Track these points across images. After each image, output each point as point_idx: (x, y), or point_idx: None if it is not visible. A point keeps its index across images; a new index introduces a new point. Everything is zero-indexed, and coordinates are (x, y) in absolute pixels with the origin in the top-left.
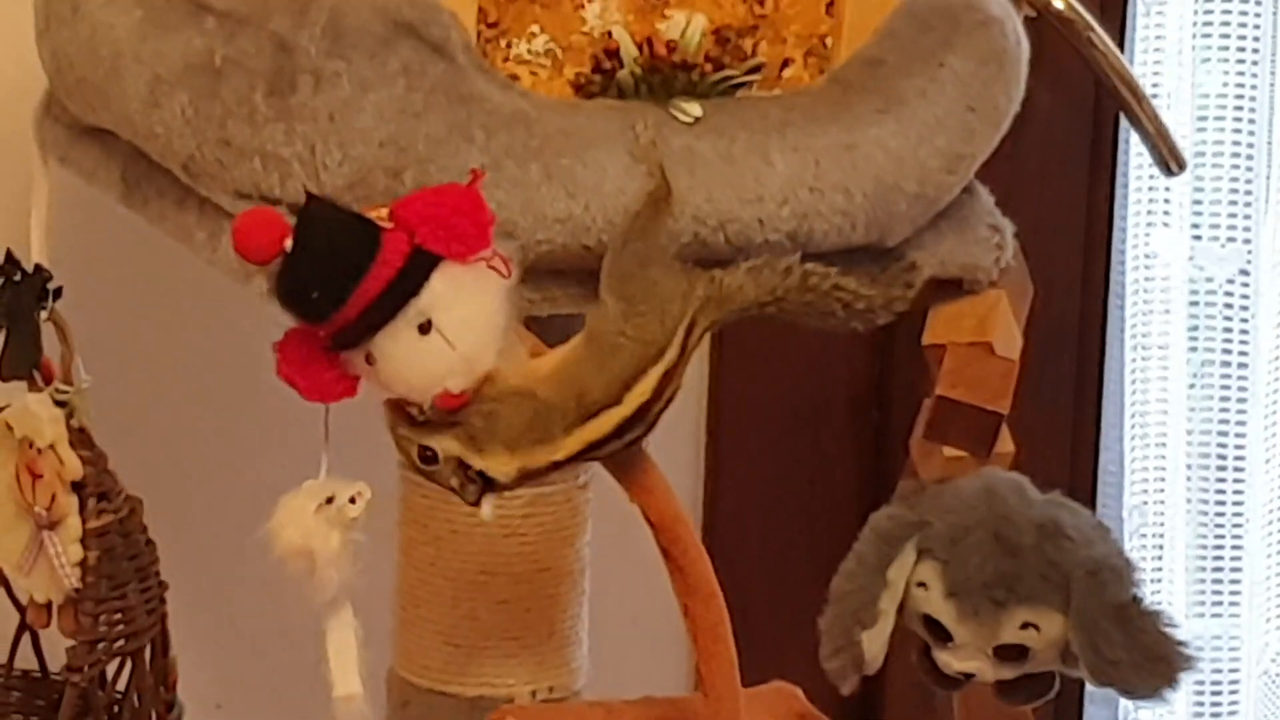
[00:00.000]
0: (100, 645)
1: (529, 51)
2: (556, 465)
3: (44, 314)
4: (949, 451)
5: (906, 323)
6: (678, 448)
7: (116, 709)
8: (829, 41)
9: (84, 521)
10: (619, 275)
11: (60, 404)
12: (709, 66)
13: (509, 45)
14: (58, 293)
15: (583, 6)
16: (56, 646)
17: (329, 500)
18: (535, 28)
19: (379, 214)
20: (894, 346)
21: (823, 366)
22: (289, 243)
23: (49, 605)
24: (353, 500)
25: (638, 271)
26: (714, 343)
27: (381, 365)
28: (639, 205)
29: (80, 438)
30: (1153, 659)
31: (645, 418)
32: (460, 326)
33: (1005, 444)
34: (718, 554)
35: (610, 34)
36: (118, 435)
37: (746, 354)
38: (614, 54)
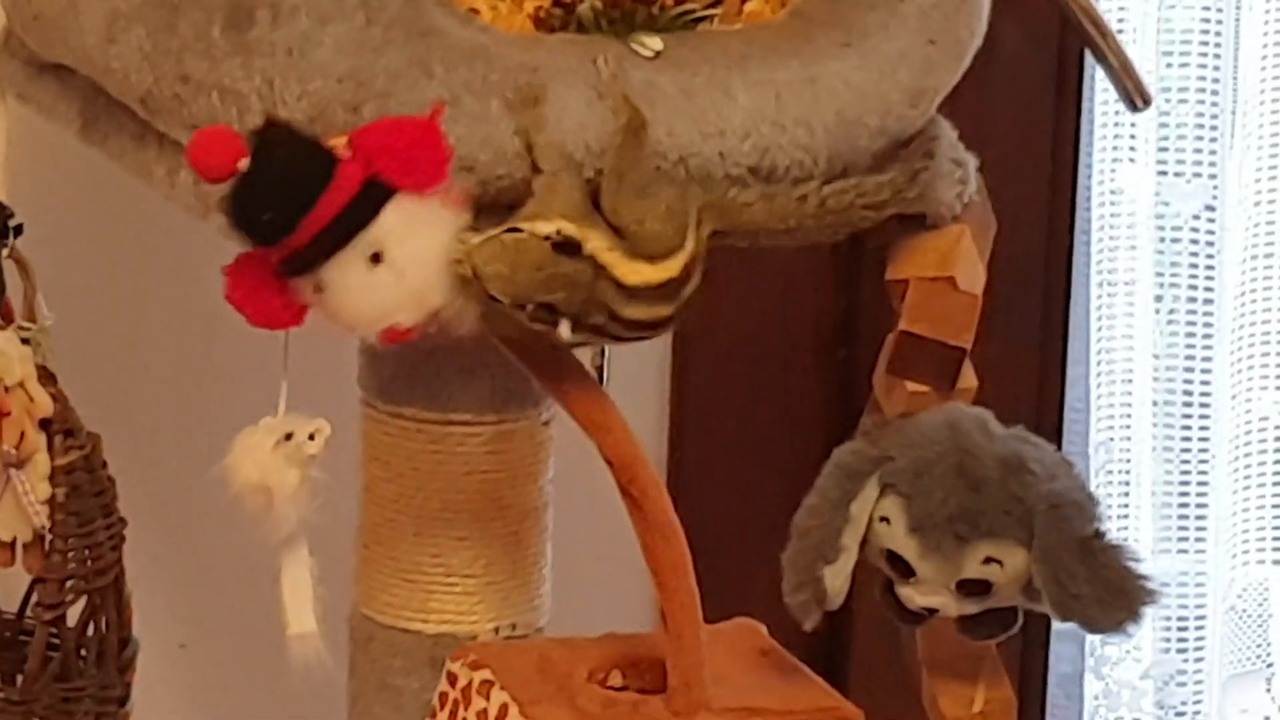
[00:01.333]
0: (69, 583)
1: None
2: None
3: (4, 251)
4: (912, 387)
5: (872, 258)
6: (642, 384)
7: (82, 649)
8: None
9: (52, 459)
10: (617, 208)
11: (26, 341)
12: (669, 1)
13: None
14: (18, 230)
15: None
16: (10, 584)
17: (288, 437)
18: None
19: (338, 142)
20: (860, 282)
21: (789, 303)
22: (244, 163)
23: (13, 543)
24: (312, 437)
25: (635, 200)
26: None
27: (330, 295)
28: (617, 138)
29: (45, 375)
30: (1115, 593)
31: (678, 294)
32: (411, 261)
33: (968, 379)
34: (683, 490)
35: None
36: (75, 371)
37: (711, 291)
38: None
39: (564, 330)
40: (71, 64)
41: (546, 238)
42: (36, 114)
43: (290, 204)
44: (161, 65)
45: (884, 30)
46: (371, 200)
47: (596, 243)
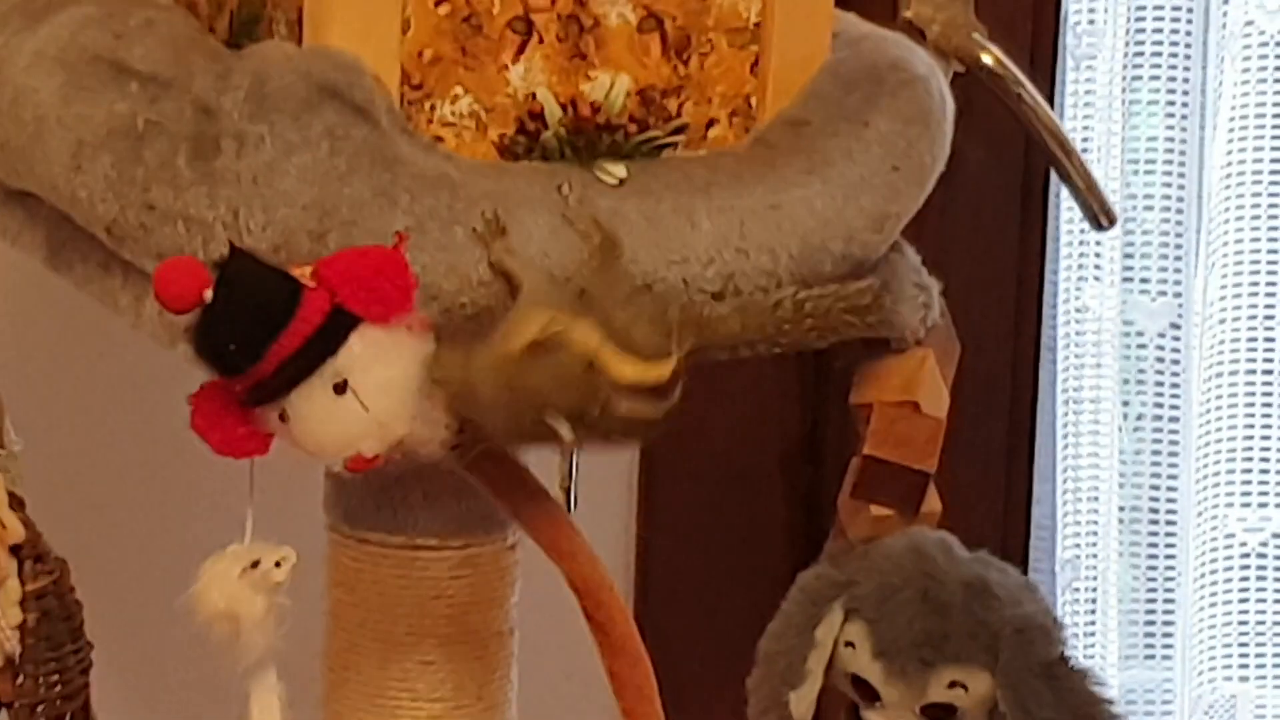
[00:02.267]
0: (40, 708)
1: (453, 113)
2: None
3: None
4: (876, 510)
5: (838, 378)
6: (609, 502)
7: None
8: (754, 101)
9: (22, 584)
10: (603, 320)
11: None
12: (634, 127)
13: (433, 107)
14: None
15: (507, 68)
16: None
17: (254, 564)
18: (459, 89)
19: (302, 272)
20: (826, 404)
21: (755, 424)
22: (209, 293)
23: None
24: (278, 564)
25: (619, 311)
26: None
27: (295, 424)
28: (593, 262)
29: (14, 500)
30: (1081, 717)
31: (667, 397)
32: (376, 390)
33: (932, 503)
34: (648, 612)
35: (534, 95)
36: (42, 496)
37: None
38: (538, 116)
39: (564, 431)
40: (38, 191)
41: (534, 342)
42: (3, 241)
43: (255, 334)
44: (127, 194)
45: (847, 157)
46: (336, 329)
47: (587, 336)
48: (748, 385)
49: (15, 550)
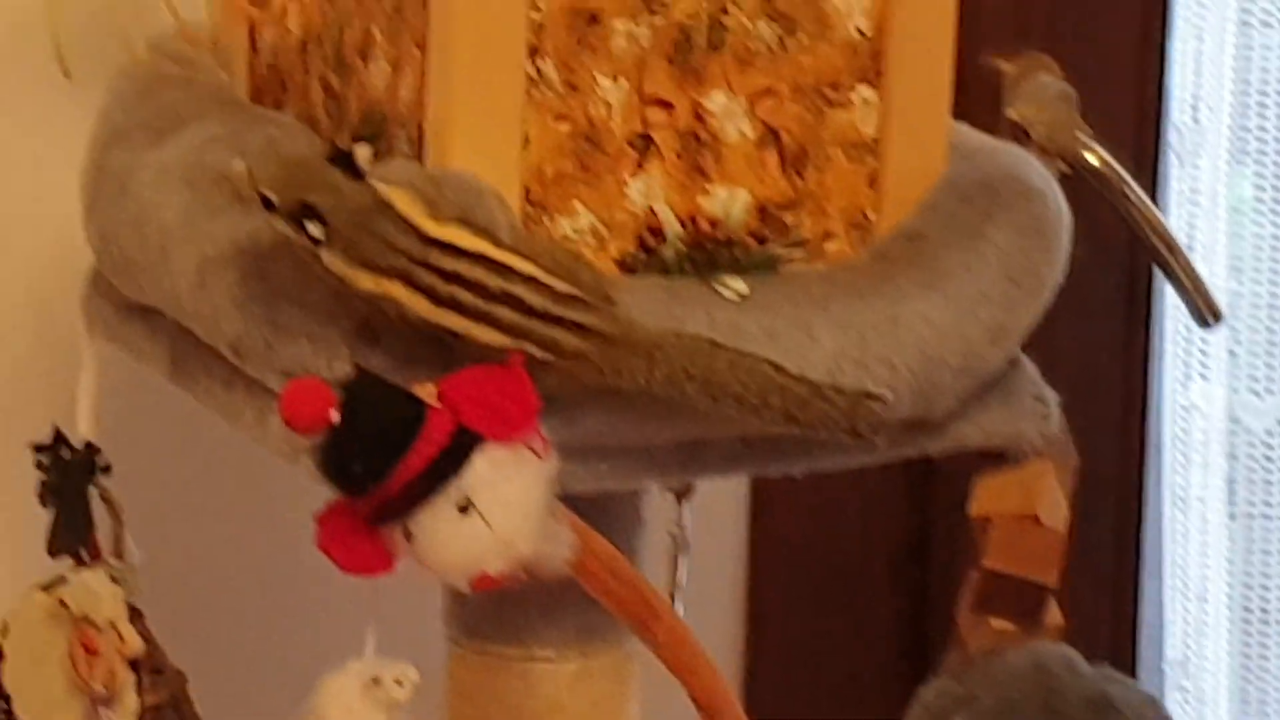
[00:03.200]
0: None
1: (573, 229)
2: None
3: (93, 490)
4: (997, 624)
5: (944, 483)
6: (717, 606)
7: None
8: (871, 215)
9: (140, 698)
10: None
11: (114, 580)
12: (752, 242)
13: (553, 224)
14: (107, 469)
15: (626, 183)
16: None
17: (374, 681)
18: (579, 205)
19: (426, 391)
20: (933, 506)
21: (862, 526)
22: (335, 414)
23: None
24: (399, 682)
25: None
26: (753, 504)
27: (420, 542)
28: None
29: (133, 613)
30: None
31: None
32: (500, 508)
33: (1054, 617)
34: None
35: (654, 211)
36: (160, 609)
37: (784, 515)
38: (658, 231)
39: (315, 231)
40: (161, 307)
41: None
42: (125, 354)
43: (381, 455)
44: (251, 311)
45: (965, 270)
46: (461, 449)
47: (400, 195)
48: (855, 488)
49: (134, 664)
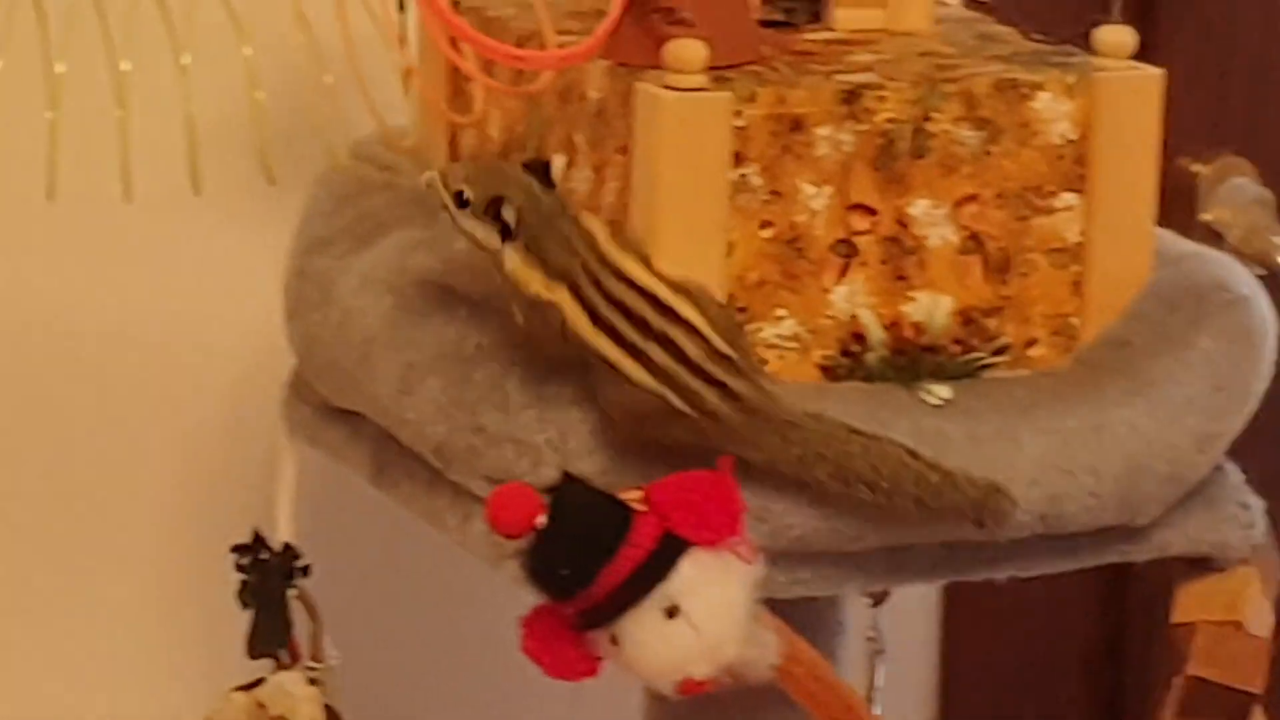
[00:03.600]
0: None
1: (776, 336)
2: None
3: (292, 592)
4: None
5: (1139, 584)
6: (911, 712)
7: None
8: (1075, 321)
9: None
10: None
11: (312, 682)
12: (956, 348)
13: (756, 330)
14: (306, 570)
15: (829, 291)
16: None
17: None
18: (782, 312)
19: (632, 496)
20: (1127, 608)
21: (1055, 626)
22: (542, 519)
23: None
24: None
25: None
26: (945, 607)
27: (626, 648)
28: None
29: (332, 715)
30: None
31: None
32: (707, 613)
33: None
34: None
35: (857, 317)
36: (364, 711)
37: (977, 613)
38: (861, 338)
39: (508, 216)
40: (364, 411)
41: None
42: (326, 457)
43: (588, 560)
44: (456, 417)
45: (1171, 378)
46: (667, 555)
47: (589, 216)
48: (1047, 589)
49: None
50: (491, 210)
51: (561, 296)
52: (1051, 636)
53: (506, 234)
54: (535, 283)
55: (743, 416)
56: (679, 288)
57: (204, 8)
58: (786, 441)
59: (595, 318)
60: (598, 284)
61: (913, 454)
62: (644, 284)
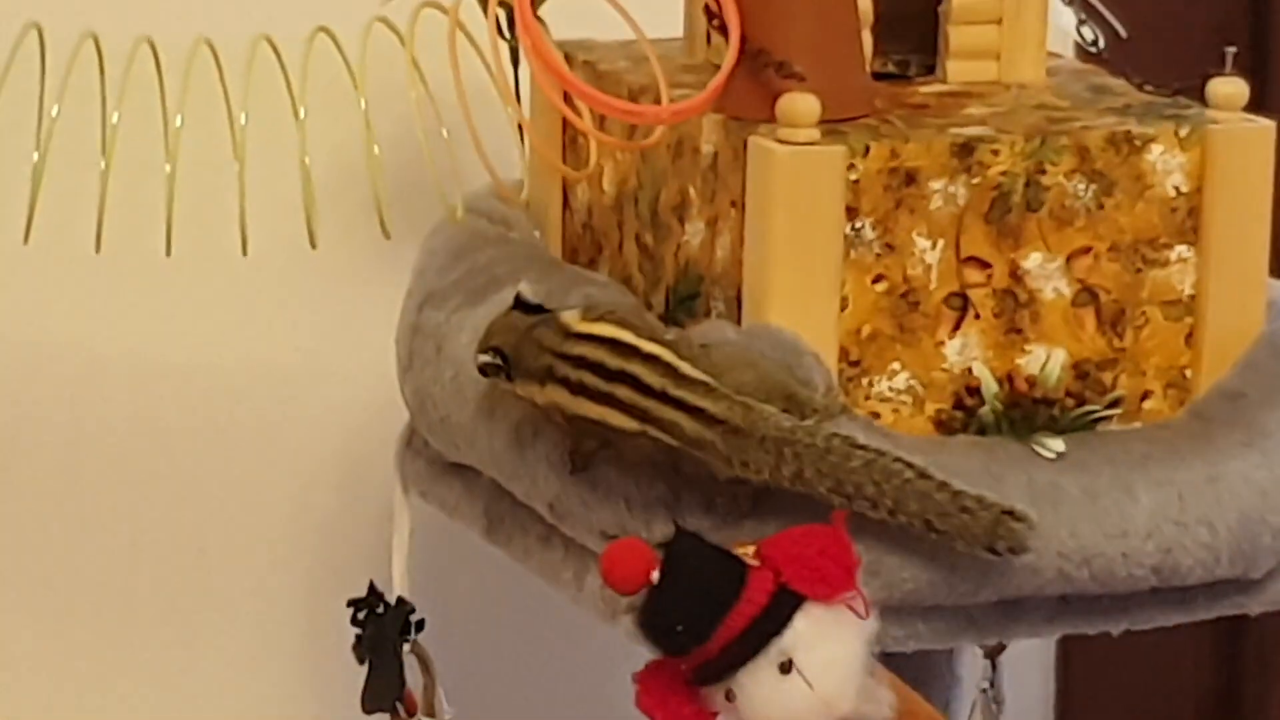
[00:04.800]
0: None
1: (890, 389)
2: None
3: (406, 646)
4: None
5: (1254, 638)
6: None
7: None
8: (1189, 374)
9: None
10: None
11: None
12: (1070, 401)
13: (870, 383)
14: (420, 625)
15: (943, 344)
16: None
17: None
18: (896, 365)
19: (745, 551)
20: (1242, 660)
21: (1170, 678)
22: (656, 575)
23: None
24: None
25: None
26: (1060, 658)
27: (741, 703)
28: None
29: None
30: None
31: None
32: (822, 668)
33: None
34: None
35: (971, 370)
36: None
37: (1092, 669)
38: (975, 391)
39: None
40: (477, 466)
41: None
42: (439, 511)
43: (703, 615)
44: (569, 473)
45: None
46: (782, 609)
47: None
48: (1161, 642)
49: None
50: (494, 360)
51: (553, 392)
52: (1166, 688)
53: (508, 375)
54: (533, 392)
55: (727, 438)
56: (643, 331)
57: (320, 62)
58: (780, 459)
59: (569, 385)
60: (563, 355)
61: (921, 473)
62: (604, 334)
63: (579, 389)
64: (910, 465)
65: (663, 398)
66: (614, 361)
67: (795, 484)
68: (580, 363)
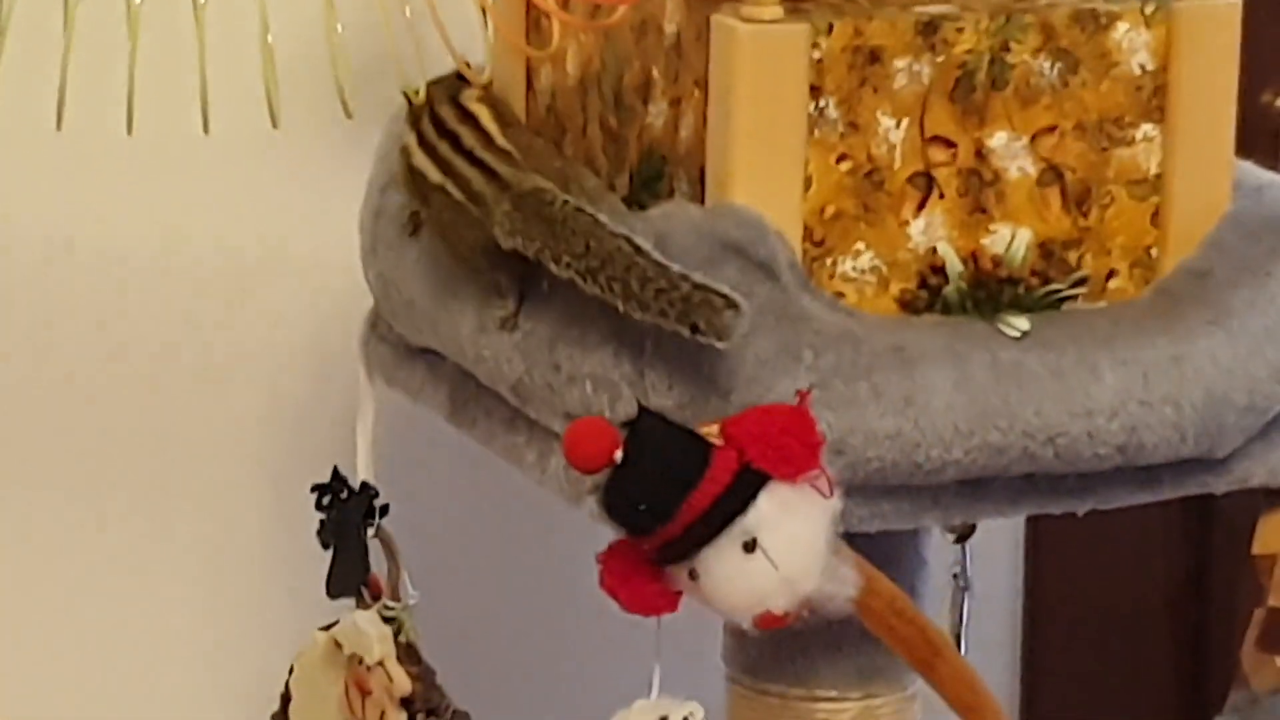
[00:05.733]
0: None
1: (854, 269)
2: None
3: (370, 531)
4: None
5: (1223, 518)
6: (995, 648)
7: None
8: (1154, 252)
9: None
10: None
11: (388, 620)
12: (1035, 280)
13: (834, 263)
14: (384, 510)
15: (908, 223)
16: None
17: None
18: (860, 245)
19: (709, 430)
20: (1210, 542)
21: (1139, 564)
22: (619, 454)
23: None
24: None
25: None
26: (1029, 544)
27: (704, 582)
28: None
29: (408, 653)
30: None
31: None
32: (785, 547)
33: None
34: None
35: (935, 250)
36: (444, 649)
37: (1061, 555)
38: (940, 270)
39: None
40: (441, 350)
41: None
42: (403, 396)
43: (666, 494)
44: (533, 354)
45: (1251, 307)
46: (745, 488)
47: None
48: (1130, 526)
49: (407, 703)
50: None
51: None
52: (1136, 572)
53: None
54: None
55: (509, 204)
56: (497, 103)
57: None
58: (517, 210)
59: (421, 140)
60: (438, 122)
61: (635, 246)
62: (463, 102)
63: (423, 142)
64: (627, 238)
65: (470, 158)
66: (451, 123)
67: (524, 245)
68: (441, 128)
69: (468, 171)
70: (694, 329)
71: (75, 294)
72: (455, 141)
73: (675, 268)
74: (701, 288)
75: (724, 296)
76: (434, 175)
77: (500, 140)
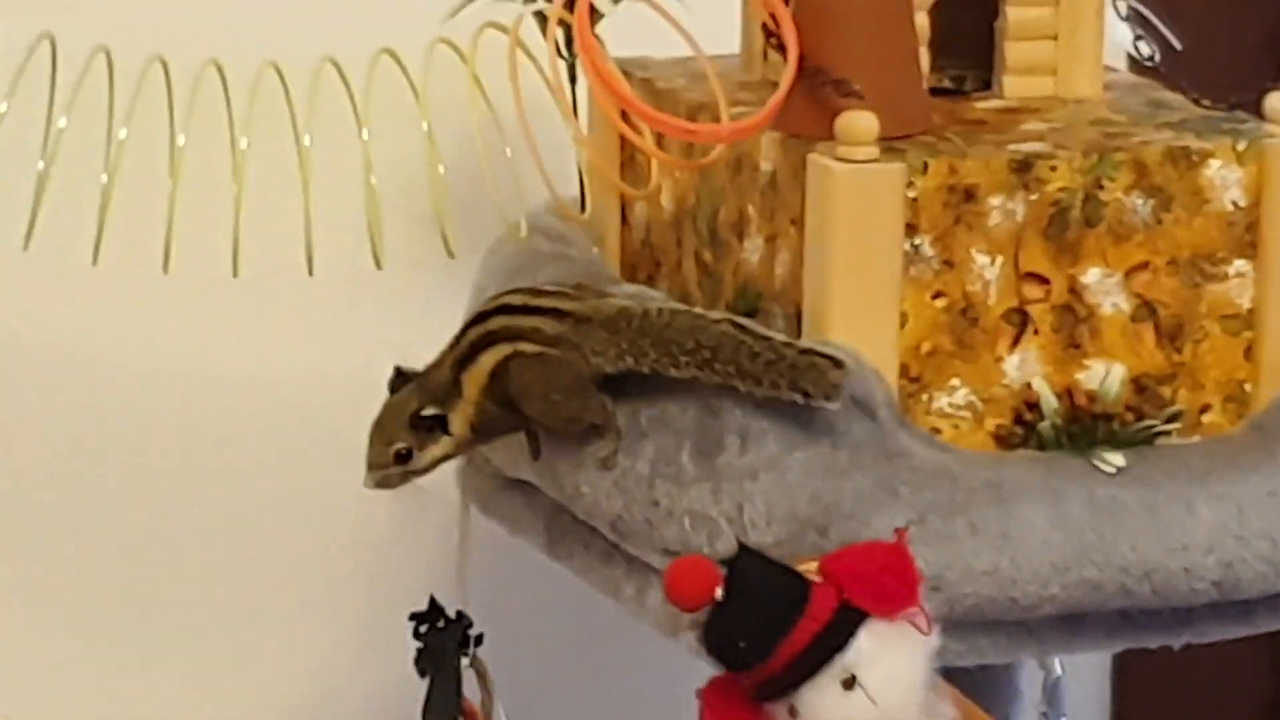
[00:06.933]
0: None
1: (950, 405)
2: None
3: (465, 660)
4: None
5: None
6: None
7: None
8: (1248, 387)
9: None
10: None
11: None
12: (1129, 415)
13: (930, 399)
14: (479, 639)
15: (1002, 359)
16: None
17: None
18: (955, 381)
19: (808, 567)
20: None
21: (1224, 694)
22: (719, 592)
23: None
24: None
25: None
26: (1116, 673)
27: (805, 718)
28: None
29: None
30: None
31: None
32: (884, 684)
33: None
34: None
35: (1030, 386)
36: None
37: (1148, 684)
38: (1034, 406)
39: None
40: (537, 484)
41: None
42: (499, 527)
43: (766, 632)
44: (631, 491)
45: None
46: (844, 626)
47: None
48: (1216, 655)
49: None
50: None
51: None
52: (1222, 698)
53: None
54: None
55: (573, 328)
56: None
57: (383, 82)
58: (614, 334)
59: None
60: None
61: (738, 326)
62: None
63: (468, 357)
64: (728, 320)
65: (524, 310)
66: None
67: (637, 361)
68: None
69: (531, 324)
70: (805, 395)
71: (180, 427)
72: (505, 309)
73: (779, 337)
74: (807, 352)
75: (829, 358)
76: (503, 349)
77: (547, 287)
